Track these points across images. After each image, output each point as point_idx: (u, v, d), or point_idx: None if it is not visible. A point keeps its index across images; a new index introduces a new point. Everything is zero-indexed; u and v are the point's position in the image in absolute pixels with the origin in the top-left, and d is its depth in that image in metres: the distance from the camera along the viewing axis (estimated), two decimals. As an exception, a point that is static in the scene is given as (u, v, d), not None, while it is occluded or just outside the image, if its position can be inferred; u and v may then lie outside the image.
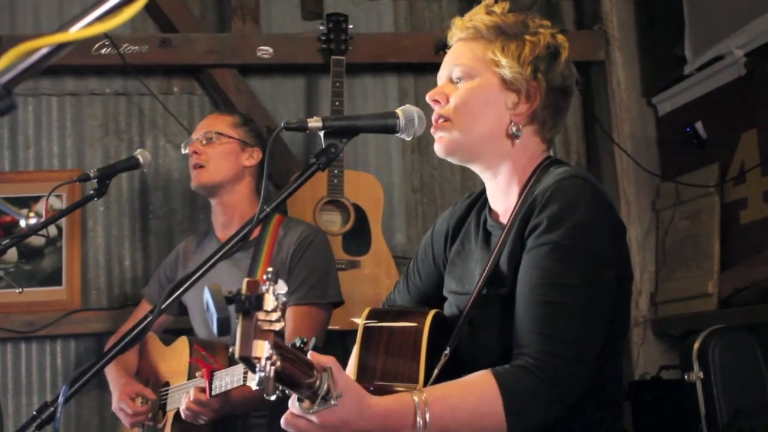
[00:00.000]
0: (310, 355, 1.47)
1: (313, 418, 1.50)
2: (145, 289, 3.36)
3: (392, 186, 4.09)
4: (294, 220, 3.17)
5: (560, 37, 1.93)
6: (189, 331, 3.17)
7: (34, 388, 3.72)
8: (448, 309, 1.99)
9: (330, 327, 3.10)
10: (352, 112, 3.89)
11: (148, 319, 1.64)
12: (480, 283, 1.83)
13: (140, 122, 3.96)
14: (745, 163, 3.48)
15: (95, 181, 2.66)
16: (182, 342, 2.99)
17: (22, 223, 2.58)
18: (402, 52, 4.03)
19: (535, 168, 1.89)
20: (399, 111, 1.84)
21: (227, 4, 3.99)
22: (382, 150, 4.11)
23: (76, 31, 0.91)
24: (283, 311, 1.29)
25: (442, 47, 3.81)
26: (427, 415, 1.58)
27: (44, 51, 0.90)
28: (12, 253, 3.69)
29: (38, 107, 3.89)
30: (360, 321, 1.88)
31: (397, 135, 1.84)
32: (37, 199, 3.75)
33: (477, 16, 1.91)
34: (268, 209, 1.75)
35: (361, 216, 3.63)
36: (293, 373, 1.37)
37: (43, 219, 2.53)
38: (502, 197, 1.93)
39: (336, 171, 3.58)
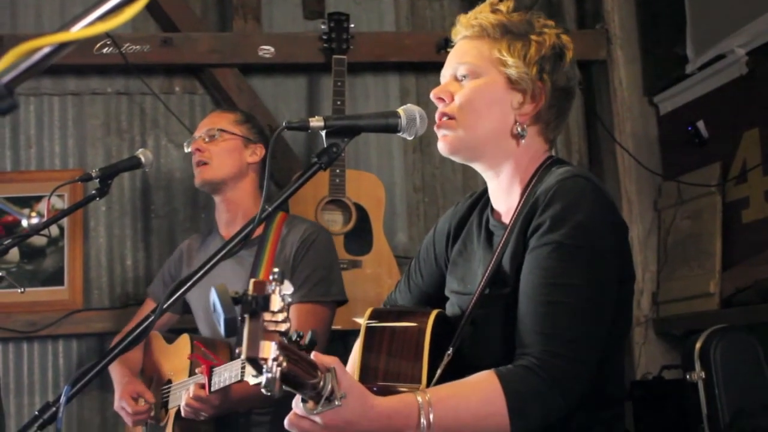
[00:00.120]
0: (314, 356, 1.47)
1: (317, 418, 1.50)
2: (150, 288, 3.36)
3: (394, 185, 4.09)
4: (297, 218, 3.17)
5: (565, 38, 1.92)
6: (194, 330, 3.17)
7: (36, 388, 3.72)
8: (450, 309, 1.98)
9: (332, 327, 3.10)
10: (353, 111, 3.90)
11: (151, 319, 1.64)
12: (482, 283, 1.83)
13: (142, 122, 3.96)
14: (747, 163, 3.48)
15: (97, 180, 2.66)
16: (184, 339, 2.99)
17: (24, 222, 2.58)
18: (403, 51, 4.03)
19: (537, 168, 1.89)
20: (400, 110, 1.83)
21: (228, 3, 3.99)
22: (383, 149, 4.11)
23: (78, 30, 0.91)
24: (288, 311, 1.29)
25: (444, 46, 3.83)
26: (431, 416, 1.58)
27: (46, 50, 0.90)
28: (14, 253, 3.69)
29: (40, 107, 3.89)
30: (362, 321, 1.88)
31: (399, 134, 1.84)
32: (38, 198, 3.75)
33: (482, 14, 1.90)
34: (270, 209, 1.75)
35: (363, 215, 3.63)
36: (298, 374, 1.37)
37: (44, 219, 2.53)
38: (504, 197, 1.93)
39: (338, 170, 3.58)
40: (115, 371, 3.10)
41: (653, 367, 3.75)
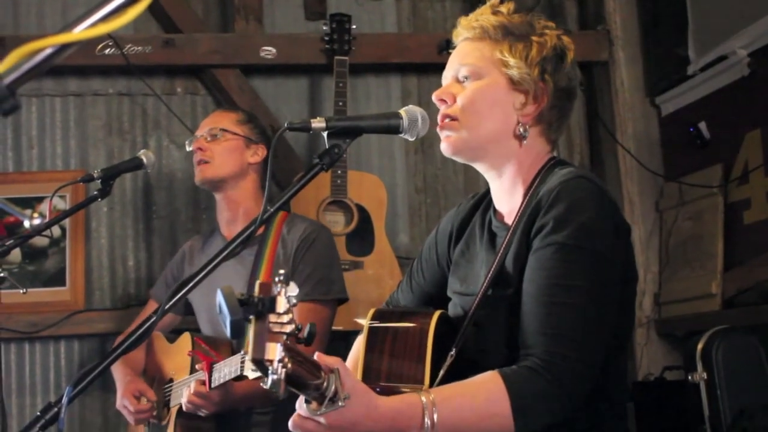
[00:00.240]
0: (317, 357, 1.47)
1: (321, 419, 1.50)
2: (153, 290, 3.37)
3: (395, 186, 4.09)
4: (298, 217, 3.17)
5: (566, 39, 1.93)
6: (196, 331, 3.17)
7: (37, 389, 3.72)
8: (453, 309, 1.99)
9: (333, 327, 3.10)
10: (355, 112, 3.90)
11: (152, 319, 1.64)
12: (485, 284, 1.83)
13: (143, 122, 3.97)
14: (749, 164, 3.48)
15: (99, 181, 2.67)
16: (185, 338, 3.00)
17: (26, 223, 2.59)
18: (405, 52, 4.04)
19: (540, 169, 1.90)
20: (402, 111, 1.84)
21: (230, 4, 3.99)
22: (385, 150, 4.11)
23: (80, 31, 0.92)
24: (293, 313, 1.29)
25: (445, 47, 3.83)
26: (435, 416, 1.58)
27: (48, 51, 0.90)
28: (16, 254, 3.69)
29: (42, 108, 3.89)
30: (365, 322, 1.88)
31: (401, 135, 1.84)
32: (40, 199, 3.76)
33: (483, 16, 1.91)
34: (272, 210, 1.75)
35: (365, 216, 3.63)
36: (302, 375, 1.37)
37: (46, 219, 2.53)
38: (507, 198, 1.93)
39: (339, 171, 3.58)
40: (118, 371, 3.10)
41: (655, 368, 3.75)
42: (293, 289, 1.29)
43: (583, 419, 1.74)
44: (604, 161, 4.15)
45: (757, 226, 3.44)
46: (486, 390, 1.63)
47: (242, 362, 2.54)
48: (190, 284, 1.68)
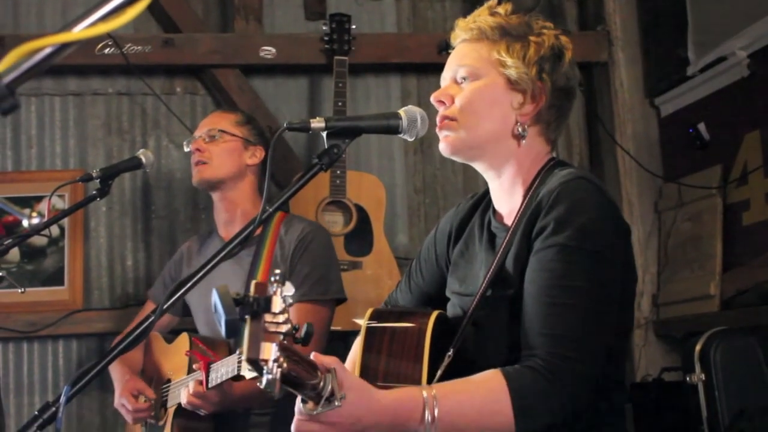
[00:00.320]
0: (314, 356, 1.47)
1: (323, 418, 1.50)
2: (150, 290, 3.36)
3: (394, 187, 4.09)
4: (296, 218, 3.17)
5: (564, 38, 1.93)
6: (194, 332, 3.17)
7: (35, 388, 3.72)
8: (452, 310, 1.99)
9: (332, 327, 3.10)
10: (354, 112, 3.90)
11: (151, 319, 1.64)
12: (484, 285, 1.84)
13: (143, 122, 3.97)
14: (748, 165, 3.47)
15: (98, 181, 2.67)
16: (183, 338, 3.00)
17: (25, 222, 2.59)
18: (405, 52, 4.04)
19: (539, 169, 1.90)
20: (402, 111, 1.84)
21: (230, 4, 3.99)
22: (384, 151, 4.11)
23: (80, 31, 0.92)
24: (289, 313, 1.29)
25: (445, 48, 3.83)
26: (436, 411, 1.58)
27: (47, 51, 0.90)
28: (14, 253, 3.69)
29: (41, 107, 3.89)
30: (362, 322, 1.88)
31: (400, 136, 1.84)
32: (39, 199, 3.76)
33: (480, 18, 1.91)
34: (270, 210, 1.75)
35: (364, 216, 3.63)
36: (298, 375, 1.37)
37: (45, 219, 2.54)
38: (507, 198, 1.93)
39: (338, 171, 3.58)
40: (116, 370, 3.10)
41: (653, 369, 3.75)
42: (289, 289, 1.29)
43: (582, 420, 1.74)
44: (603, 162, 4.15)
45: (756, 227, 3.44)
46: (488, 388, 1.64)
47: (239, 362, 2.54)
48: (189, 284, 1.68)
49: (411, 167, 4.15)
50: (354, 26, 3.81)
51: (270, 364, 1.26)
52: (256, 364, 1.27)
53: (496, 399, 1.62)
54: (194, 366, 2.77)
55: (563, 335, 1.66)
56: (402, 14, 4.25)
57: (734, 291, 3.43)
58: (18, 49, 0.88)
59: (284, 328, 1.28)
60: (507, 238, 1.84)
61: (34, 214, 3.69)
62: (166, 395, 2.99)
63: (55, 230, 3.73)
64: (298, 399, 1.51)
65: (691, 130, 3.76)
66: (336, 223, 3.63)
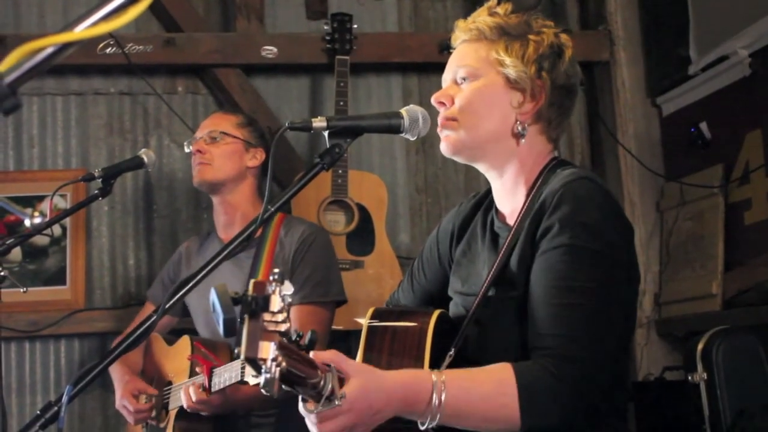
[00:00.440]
0: (312, 355, 1.47)
1: (333, 413, 1.50)
2: (149, 291, 3.37)
3: (396, 186, 4.09)
4: (295, 219, 3.17)
5: (564, 36, 1.93)
6: (193, 332, 3.17)
7: (37, 388, 3.72)
8: (454, 309, 1.99)
9: (333, 327, 3.10)
10: (356, 112, 3.90)
11: (152, 320, 1.64)
12: (486, 284, 1.84)
13: (145, 122, 3.97)
14: (750, 164, 3.47)
15: (100, 180, 2.67)
16: (184, 341, 2.99)
17: (27, 222, 2.58)
18: (406, 51, 4.03)
19: (542, 169, 1.90)
20: (403, 111, 1.84)
21: (231, 3, 3.99)
22: (386, 150, 4.11)
23: (81, 30, 0.92)
24: (288, 312, 1.29)
25: (446, 47, 3.82)
26: (443, 395, 1.59)
27: (49, 50, 0.90)
28: (16, 253, 3.69)
29: (43, 107, 3.89)
30: (364, 321, 1.88)
31: (401, 135, 1.84)
32: (41, 198, 3.76)
33: (480, 18, 1.92)
34: (272, 209, 1.75)
35: (365, 216, 3.63)
36: (298, 374, 1.37)
37: (47, 218, 2.53)
38: (509, 197, 1.93)
39: (340, 171, 3.58)
40: (116, 371, 3.10)
41: (655, 368, 3.75)
42: (288, 288, 1.28)
43: (584, 420, 1.74)
44: (604, 161, 4.15)
45: (758, 226, 3.44)
46: (496, 380, 1.64)
47: (243, 368, 2.54)
48: (190, 284, 1.68)
49: (413, 167, 4.15)
50: (355, 26, 3.81)
51: (268, 363, 1.26)
52: (254, 363, 1.27)
53: (503, 391, 1.62)
54: (197, 369, 2.77)
55: (573, 336, 1.66)
56: (403, 14, 4.25)
57: (736, 290, 3.43)
58: (19, 48, 0.88)
59: (283, 327, 1.27)
60: (510, 237, 1.84)
61: (36, 213, 3.69)
62: (168, 397, 2.99)
63: (57, 230, 3.72)
64: (299, 399, 1.52)
65: (692, 130, 3.76)
66: (338, 222, 3.63)
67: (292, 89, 4.08)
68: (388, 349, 1.82)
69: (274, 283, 1.28)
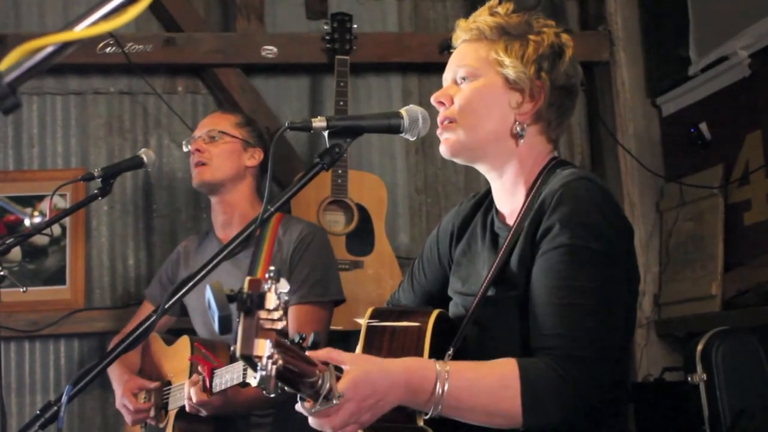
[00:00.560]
0: (308, 354, 1.47)
1: (344, 393, 1.51)
2: (147, 290, 3.36)
3: (396, 186, 4.09)
4: (294, 219, 3.17)
5: (565, 36, 1.93)
6: (191, 332, 3.17)
7: (37, 387, 3.72)
8: (454, 309, 1.99)
9: (333, 327, 3.10)
10: (356, 112, 3.90)
11: (152, 319, 1.64)
12: (486, 284, 1.84)
13: (144, 121, 3.96)
14: (750, 164, 3.47)
15: (99, 180, 2.66)
16: (184, 341, 2.99)
17: (27, 222, 2.59)
18: (406, 51, 4.03)
19: (541, 169, 1.90)
20: (403, 111, 1.84)
21: (232, 3, 3.99)
22: (385, 150, 4.11)
23: (81, 30, 0.92)
24: (285, 310, 1.29)
25: (446, 48, 3.82)
26: (447, 385, 1.59)
27: (49, 50, 0.90)
28: (16, 252, 3.69)
29: (42, 106, 3.89)
30: (363, 320, 1.88)
31: (401, 135, 1.84)
32: (41, 198, 3.76)
33: (480, 18, 1.92)
34: (272, 209, 1.75)
35: (365, 216, 3.63)
36: (296, 372, 1.37)
37: (47, 218, 2.53)
38: (509, 198, 1.93)
39: (340, 171, 3.58)
40: (115, 371, 3.10)
41: (655, 369, 3.75)
42: (284, 286, 1.28)
43: (583, 420, 1.74)
44: (604, 161, 4.15)
45: (758, 227, 3.44)
46: (500, 373, 1.64)
47: (245, 370, 2.53)
48: (190, 284, 1.68)
49: (412, 167, 4.15)
50: (355, 25, 3.81)
51: (264, 360, 1.26)
52: (249, 360, 1.26)
53: (506, 385, 1.62)
54: (199, 368, 2.77)
55: (575, 335, 1.66)
56: (403, 13, 4.24)
57: (736, 291, 3.43)
58: (19, 48, 0.88)
59: (279, 325, 1.27)
60: (509, 237, 1.84)
61: (36, 213, 3.69)
62: (167, 398, 2.99)
63: (56, 229, 3.72)
64: (298, 398, 1.52)
65: (692, 130, 3.76)
66: (337, 222, 3.63)
67: (291, 89, 4.07)
68: (387, 348, 1.82)
69: (269, 281, 1.27)
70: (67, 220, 3.74)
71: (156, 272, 3.47)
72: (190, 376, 2.86)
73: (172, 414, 2.91)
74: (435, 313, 1.86)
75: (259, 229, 2.97)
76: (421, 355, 1.78)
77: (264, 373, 1.26)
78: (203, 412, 2.71)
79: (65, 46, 0.91)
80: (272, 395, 1.34)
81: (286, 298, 1.29)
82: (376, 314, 1.90)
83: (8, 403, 3.64)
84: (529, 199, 1.86)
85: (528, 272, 1.77)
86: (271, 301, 1.27)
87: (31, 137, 3.86)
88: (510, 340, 1.78)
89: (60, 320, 3.68)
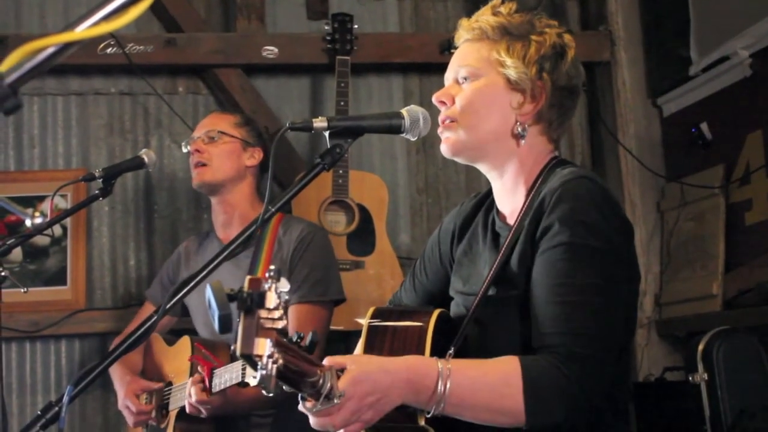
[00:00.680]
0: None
1: (346, 391, 1.51)
2: (148, 290, 3.37)
3: (397, 186, 4.09)
4: (294, 218, 3.17)
5: (567, 37, 1.93)
6: (193, 332, 3.17)
7: (38, 388, 3.73)
8: (455, 309, 1.99)
9: (334, 327, 3.10)
10: (356, 112, 3.90)
11: (153, 320, 1.64)
12: (486, 284, 1.84)
13: (145, 122, 3.97)
14: (750, 164, 3.47)
15: (100, 180, 2.66)
16: (184, 341, 2.99)
17: (27, 222, 2.58)
18: (407, 52, 4.03)
19: (541, 168, 1.90)
20: (404, 111, 1.84)
21: (232, 3, 3.99)
22: (386, 150, 4.11)
23: (82, 30, 0.92)
24: (286, 309, 1.28)
25: (447, 47, 3.83)
26: (449, 383, 1.59)
27: (50, 51, 0.90)
28: (17, 253, 3.69)
29: (43, 107, 3.89)
30: (364, 320, 1.88)
31: (402, 135, 1.84)
32: (42, 198, 3.76)
33: (483, 17, 1.92)
34: (273, 209, 1.75)
35: (366, 216, 3.63)
36: (296, 371, 1.37)
37: (47, 218, 2.53)
38: (510, 197, 1.93)
39: (341, 171, 3.58)
40: (116, 371, 3.10)
41: (656, 369, 3.75)
42: (284, 285, 1.28)
43: (585, 418, 1.74)
44: (605, 162, 4.15)
45: (759, 227, 3.44)
46: (502, 371, 1.64)
47: (243, 369, 2.53)
48: (190, 285, 1.68)
49: (413, 167, 4.15)
50: (356, 26, 3.81)
51: (264, 359, 1.26)
52: (249, 359, 1.26)
53: (508, 383, 1.62)
54: (199, 369, 2.77)
55: (580, 334, 1.66)
56: (404, 14, 4.25)
57: (736, 291, 3.43)
58: (20, 48, 0.88)
59: (280, 324, 1.27)
60: (509, 237, 1.84)
61: (37, 213, 3.69)
62: (168, 398, 2.99)
63: (57, 230, 3.72)
64: (299, 398, 1.52)
65: (693, 130, 3.76)
66: (338, 222, 3.63)
67: (292, 89, 4.07)
68: (389, 347, 1.82)
69: (270, 280, 1.27)
70: (68, 221, 3.74)
71: (157, 273, 3.47)
72: (191, 376, 2.86)
73: (172, 414, 2.91)
74: (436, 312, 1.86)
75: (260, 229, 2.99)
76: (422, 354, 1.78)
77: (264, 372, 1.26)
78: (203, 412, 2.71)
79: (66, 46, 0.91)
80: (272, 394, 1.34)
81: (287, 297, 1.28)
82: (378, 314, 1.90)
83: (9, 404, 3.64)
84: (529, 198, 1.86)
85: (528, 271, 1.77)
86: (271, 300, 1.27)
87: (32, 138, 3.87)
88: (511, 339, 1.78)
89: (61, 321, 3.68)
